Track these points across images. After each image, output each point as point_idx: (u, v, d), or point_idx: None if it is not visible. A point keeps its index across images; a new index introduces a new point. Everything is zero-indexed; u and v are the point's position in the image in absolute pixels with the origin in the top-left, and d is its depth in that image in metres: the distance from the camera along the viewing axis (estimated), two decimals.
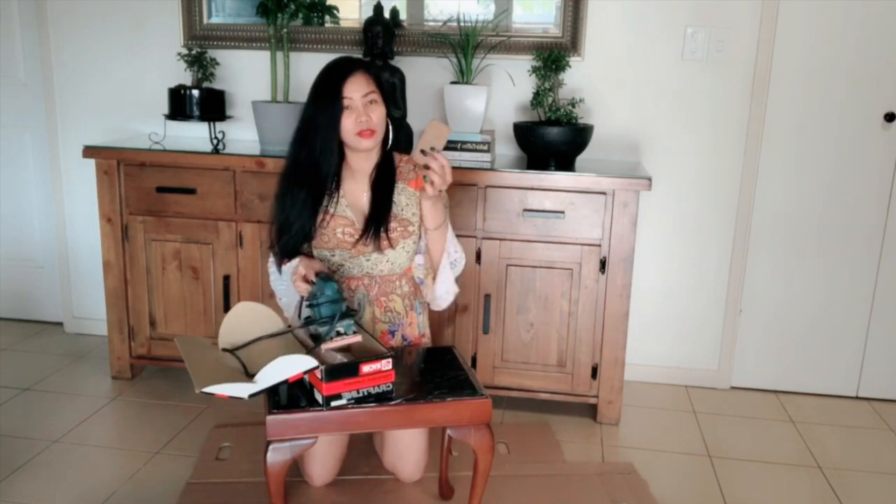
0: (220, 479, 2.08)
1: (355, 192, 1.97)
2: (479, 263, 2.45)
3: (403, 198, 1.97)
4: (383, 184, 1.96)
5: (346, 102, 1.85)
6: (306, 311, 1.76)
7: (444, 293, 2.03)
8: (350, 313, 1.69)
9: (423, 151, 1.79)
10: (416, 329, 2.03)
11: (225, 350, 1.66)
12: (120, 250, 2.62)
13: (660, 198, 2.75)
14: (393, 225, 1.93)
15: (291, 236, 1.90)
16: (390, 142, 1.97)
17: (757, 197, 2.73)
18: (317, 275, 1.75)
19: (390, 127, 1.96)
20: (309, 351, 1.60)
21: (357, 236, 1.92)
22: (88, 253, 3.08)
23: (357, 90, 1.85)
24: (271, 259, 2.00)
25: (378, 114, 1.89)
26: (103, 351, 2.90)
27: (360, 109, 1.85)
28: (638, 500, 2.05)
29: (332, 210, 1.93)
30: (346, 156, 1.96)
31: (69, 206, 3.08)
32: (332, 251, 1.94)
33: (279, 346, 1.68)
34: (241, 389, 1.46)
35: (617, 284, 2.42)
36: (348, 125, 1.86)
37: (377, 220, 1.92)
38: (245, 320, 1.73)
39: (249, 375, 1.53)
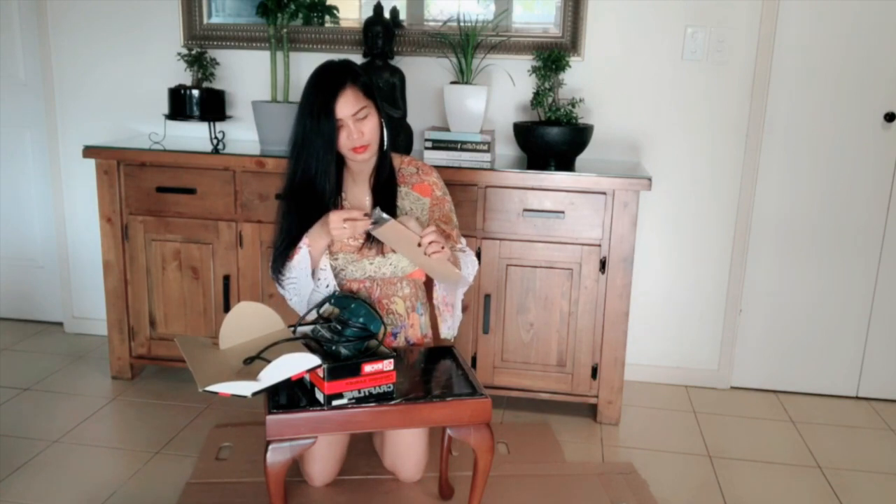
0: (220, 479, 2.08)
1: (358, 196, 1.97)
2: (479, 263, 2.45)
3: (407, 202, 1.97)
4: (385, 188, 1.94)
5: (339, 123, 1.82)
6: (327, 309, 1.78)
7: (452, 326, 2.04)
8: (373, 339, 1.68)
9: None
10: (419, 330, 2.03)
11: (250, 359, 1.62)
12: (120, 250, 2.62)
13: (660, 198, 2.75)
14: None
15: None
16: (385, 143, 1.92)
17: (757, 196, 2.73)
18: (354, 295, 1.77)
19: (385, 129, 1.91)
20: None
21: (361, 240, 1.91)
22: (88, 253, 3.08)
23: (348, 110, 1.80)
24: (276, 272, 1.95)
25: (370, 126, 1.84)
26: (103, 351, 2.90)
27: (352, 127, 1.82)
28: (638, 500, 2.05)
29: None
30: (346, 160, 1.95)
31: (69, 206, 3.08)
32: (334, 255, 1.93)
33: (293, 345, 1.68)
34: (244, 388, 1.46)
35: (617, 284, 2.42)
36: (342, 141, 1.84)
37: None
38: (246, 320, 1.73)
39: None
